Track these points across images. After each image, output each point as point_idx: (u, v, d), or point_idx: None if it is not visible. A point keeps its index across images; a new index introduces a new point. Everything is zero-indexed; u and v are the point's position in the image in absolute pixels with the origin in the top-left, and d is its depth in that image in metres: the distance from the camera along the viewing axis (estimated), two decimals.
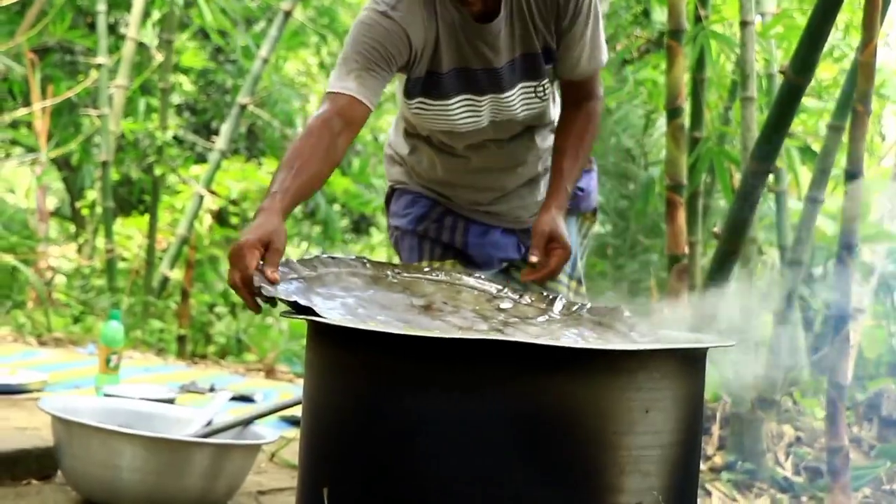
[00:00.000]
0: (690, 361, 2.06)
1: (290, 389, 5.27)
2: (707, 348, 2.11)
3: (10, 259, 6.80)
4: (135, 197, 9.95)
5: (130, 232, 8.80)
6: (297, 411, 4.44)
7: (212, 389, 4.93)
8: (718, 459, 4.37)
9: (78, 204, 9.02)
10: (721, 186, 5.33)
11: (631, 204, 7.26)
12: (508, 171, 3.04)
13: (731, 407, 4.47)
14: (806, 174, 5.94)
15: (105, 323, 4.70)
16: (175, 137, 9.48)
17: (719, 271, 3.98)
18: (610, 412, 1.96)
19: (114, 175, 8.32)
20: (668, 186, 4.59)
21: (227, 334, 8.82)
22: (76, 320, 7.68)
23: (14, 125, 8.47)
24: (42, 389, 4.61)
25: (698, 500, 4.13)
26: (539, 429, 1.92)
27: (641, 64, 7.02)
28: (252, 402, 4.84)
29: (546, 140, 3.05)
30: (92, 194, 8.68)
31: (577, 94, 2.90)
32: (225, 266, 8.97)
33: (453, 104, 2.84)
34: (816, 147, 5.47)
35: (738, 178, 4.93)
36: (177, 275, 8.12)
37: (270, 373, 5.96)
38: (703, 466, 4.33)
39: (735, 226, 3.92)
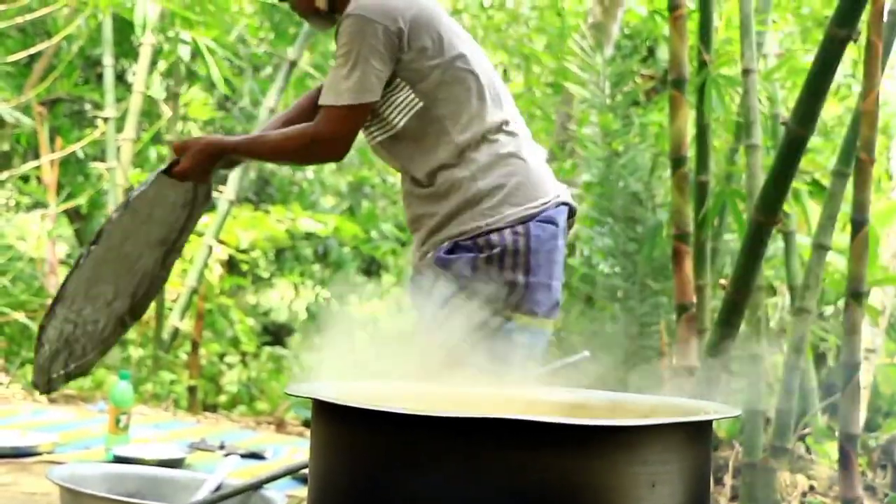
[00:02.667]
0: (697, 433, 2.05)
1: (300, 444, 5.25)
2: (712, 420, 2.09)
3: (19, 316, 6.80)
4: None
5: None
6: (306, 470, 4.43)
7: (221, 447, 4.91)
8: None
9: None
10: (736, 226, 5.33)
11: (639, 247, 7.25)
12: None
13: (743, 456, 4.44)
14: (815, 209, 5.93)
15: (114, 384, 4.70)
16: None
17: (727, 322, 3.96)
18: (615, 487, 1.94)
19: None
20: (674, 236, 4.59)
21: (237, 383, 8.83)
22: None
23: (24, 179, 8.49)
24: (52, 451, 4.60)
25: None
26: None
27: (649, 107, 7.04)
28: (262, 459, 4.83)
29: (412, 190, 3.05)
30: None
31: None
32: (235, 315, 9.02)
33: None
34: (825, 181, 5.47)
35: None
36: (187, 326, 8.12)
37: (281, 426, 5.96)
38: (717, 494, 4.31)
39: (742, 277, 3.92)
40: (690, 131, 4.70)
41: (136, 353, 7.95)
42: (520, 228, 2.89)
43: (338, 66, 2.93)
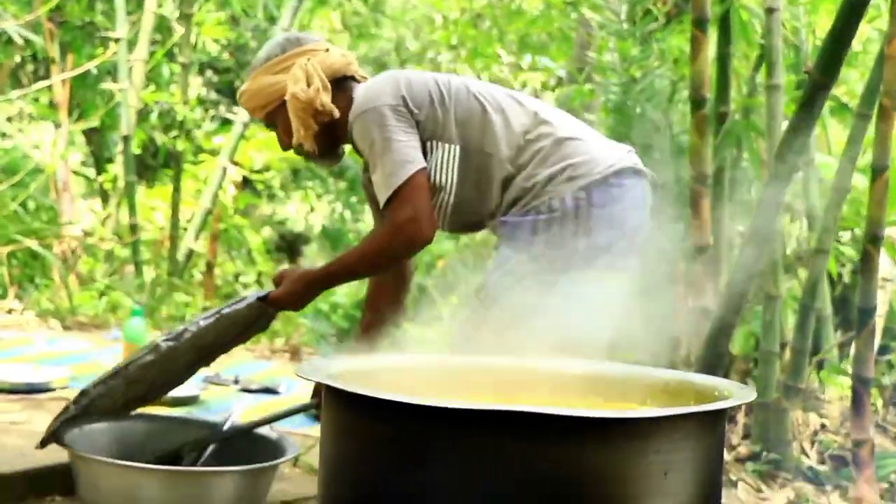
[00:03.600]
0: (709, 421, 2.03)
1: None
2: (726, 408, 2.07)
3: (32, 244, 6.78)
4: (161, 159, 9.91)
5: (155, 203, 8.79)
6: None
7: (236, 381, 4.92)
8: (743, 450, 4.36)
9: (101, 178, 9.00)
10: (749, 159, 5.27)
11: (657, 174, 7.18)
12: None
13: (756, 392, 4.44)
14: (835, 128, 5.86)
15: (127, 321, 4.70)
16: (197, 98, 9.47)
17: (745, 268, 3.93)
18: (627, 477, 1.93)
19: (138, 137, 8.31)
20: (692, 177, 4.55)
21: None
22: (101, 295, 7.71)
23: (35, 99, 8.43)
24: (66, 386, 4.62)
25: (723, 491, 4.13)
26: (554, 497, 1.89)
27: (667, 31, 6.92)
28: (276, 393, 4.84)
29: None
30: (114, 167, 8.66)
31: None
32: (250, 234, 9.01)
33: None
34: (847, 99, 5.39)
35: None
36: (202, 247, 8.12)
37: (295, 354, 5.96)
38: (727, 457, 4.32)
39: (760, 227, 3.88)
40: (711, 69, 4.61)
41: (150, 273, 7.96)
42: (581, 193, 2.91)
43: (374, 166, 2.96)
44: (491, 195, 3.01)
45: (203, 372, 5.03)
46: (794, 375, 4.44)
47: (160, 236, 8.40)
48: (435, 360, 2.47)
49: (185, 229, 8.21)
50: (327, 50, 3.13)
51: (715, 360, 4.09)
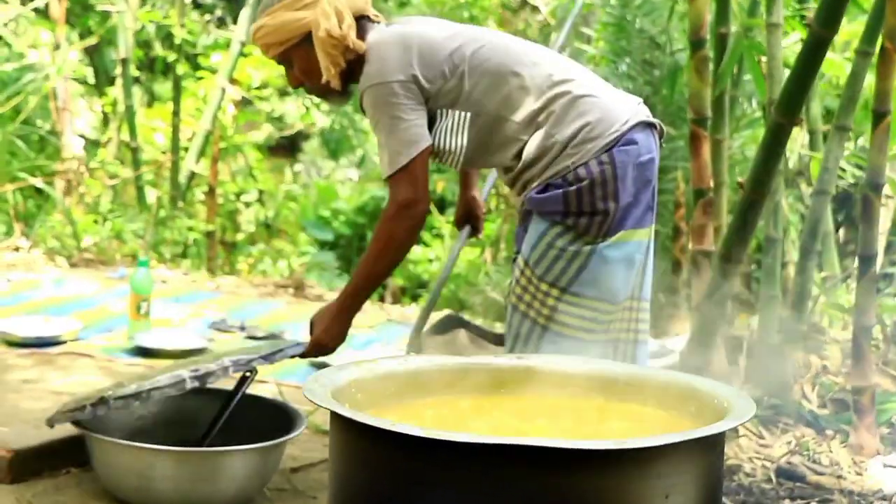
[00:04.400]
0: (709, 443, 2.07)
1: None
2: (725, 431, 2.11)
3: (36, 182, 6.79)
4: (159, 69, 9.83)
5: (155, 124, 8.77)
6: (328, 358, 4.50)
7: (242, 328, 4.98)
8: None
9: (101, 101, 8.97)
10: (753, 79, 5.23)
11: (655, 90, 7.17)
12: None
13: (757, 338, 4.49)
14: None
15: (133, 271, 4.74)
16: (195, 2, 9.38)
17: (743, 220, 3.95)
18: (629, 502, 1.98)
19: (136, 55, 8.26)
20: (692, 120, 4.54)
21: (255, 222, 8.90)
22: (105, 220, 7.75)
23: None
24: (77, 339, 4.68)
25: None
26: None
27: None
28: (281, 339, 4.90)
29: (506, 173, 3.16)
30: (113, 91, 8.63)
31: None
32: (250, 152, 9.00)
33: None
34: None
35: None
36: (203, 169, 8.12)
37: (299, 289, 6.00)
38: None
39: (759, 177, 3.88)
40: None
41: (152, 195, 7.99)
42: (604, 157, 2.93)
43: (378, 140, 3.00)
44: (506, 154, 3.04)
45: (210, 317, 5.12)
46: (795, 318, 4.48)
47: (162, 158, 8.41)
48: (440, 363, 2.51)
49: (187, 149, 8.22)
50: None
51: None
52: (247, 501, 3.26)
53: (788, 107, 3.77)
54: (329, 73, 3.06)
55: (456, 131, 3.03)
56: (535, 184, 2.99)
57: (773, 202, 4.49)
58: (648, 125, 3.04)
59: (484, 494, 1.95)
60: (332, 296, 6.07)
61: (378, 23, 3.14)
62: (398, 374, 2.44)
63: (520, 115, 2.98)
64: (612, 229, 2.97)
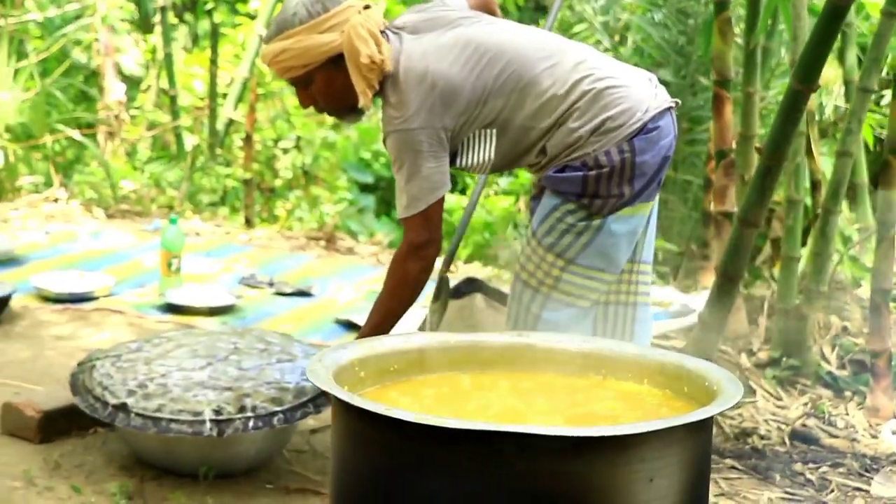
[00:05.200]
0: (695, 428, 2.14)
1: (347, 275, 5.39)
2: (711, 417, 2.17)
3: (74, 134, 6.88)
4: (200, 12, 9.87)
5: (194, 70, 8.83)
6: (352, 315, 4.59)
7: (271, 284, 5.07)
8: (763, 355, 4.46)
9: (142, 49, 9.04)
10: (787, 30, 5.21)
11: (689, 40, 7.14)
12: None
13: (777, 301, 4.52)
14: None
15: (165, 227, 4.84)
16: None
17: (761, 185, 3.97)
18: (614, 487, 2.05)
19: None
20: (715, 81, 4.56)
21: (292, 168, 8.94)
22: (144, 167, 7.84)
23: None
24: (109, 294, 4.79)
25: (743, 399, 4.24)
26: None
27: None
28: (310, 296, 4.99)
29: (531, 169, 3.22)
30: (153, 39, 8.69)
31: None
32: (288, 98, 9.04)
33: None
34: None
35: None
36: (240, 116, 8.16)
37: (331, 241, 6.08)
38: (747, 363, 4.43)
39: (776, 143, 3.90)
40: None
41: (190, 142, 8.06)
42: (625, 146, 2.99)
43: (399, 180, 3.02)
44: (531, 155, 3.09)
45: (240, 272, 5.22)
46: (816, 278, 4.51)
47: (200, 105, 8.47)
48: (443, 340, 2.58)
49: (226, 94, 8.28)
50: (367, 6, 3.06)
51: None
52: (266, 462, 3.37)
53: (806, 73, 3.78)
54: (366, 96, 3.02)
55: (482, 148, 3.08)
56: (553, 165, 3.05)
57: (795, 163, 4.50)
58: (667, 109, 3.08)
59: (474, 478, 2.03)
60: (362, 248, 6.16)
61: (390, 32, 3.10)
62: (401, 352, 2.51)
63: (545, 123, 3.02)
64: (622, 207, 3.04)
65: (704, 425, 2.19)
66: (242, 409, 3.17)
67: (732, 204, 4.54)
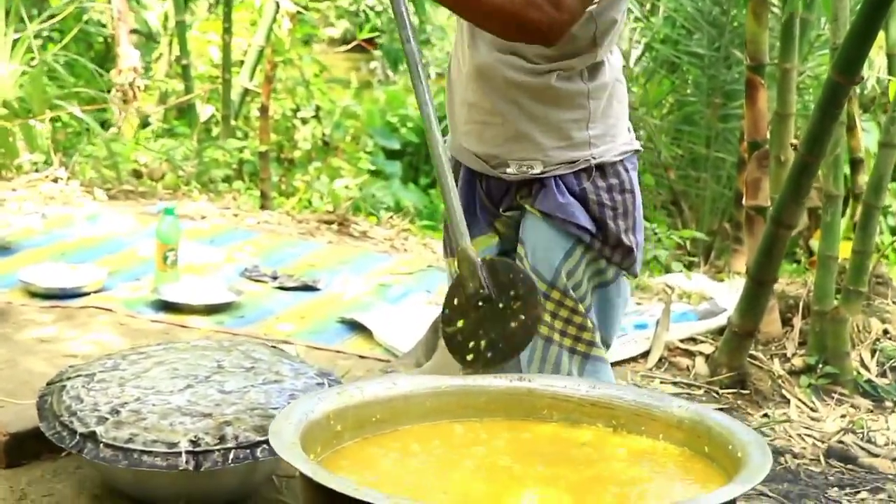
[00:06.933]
0: None
1: (356, 265, 5.09)
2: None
3: (74, 110, 6.60)
4: None
5: (209, 37, 8.53)
6: (357, 314, 4.32)
7: (274, 277, 4.79)
8: (798, 361, 4.15)
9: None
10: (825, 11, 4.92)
11: (724, 10, 6.83)
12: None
13: (813, 303, 4.21)
14: None
15: (160, 219, 4.56)
16: None
17: (797, 184, 3.66)
18: None
19: None
20: (748, 66, 4.24)
21: (311, 139, 8.67)
22: (158, 138, 7.59)
23: None
24: (101, 289, 4.52)
25: (773, 408, 3.95)
26: None
27: None
28: (316, 290, 4.70)
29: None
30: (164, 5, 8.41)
31: None
32: (307, 68, 8.75)
33: None
34: None
35: None
36: (256, 86, 7.88)
37: (343, 224, 5.78)
38: (781, 370, 4.13)
39: (815, 139, 3.58)
40: None
41: (204, 113, 7.79)
42: (627, 163, 2.63)
43: None
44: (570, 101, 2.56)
45: (242, 263, 4.95)
46: (855, 278, 4.19)
47: (214, 75, 8.18)
48: (433, 385, 2.29)
49: (242, 62, 8.00)
50: None
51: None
52: (252, 493, 3.10)
53: (848, 65, 3.45)
54: None
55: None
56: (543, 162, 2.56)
57: (833, 156, 4.17)
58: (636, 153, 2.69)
59: None
60: (377, 231, 5.87)
61: None
62: (385, 400, 2.23)
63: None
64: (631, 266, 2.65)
65: None
66: (222, 438, 2.88)
67: (766, 198, 4.22)
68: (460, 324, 2.24)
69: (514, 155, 2.57)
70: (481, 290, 2.28)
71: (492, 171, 2.61)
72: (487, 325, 2.29)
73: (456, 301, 2.32)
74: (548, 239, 2.56)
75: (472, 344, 2.20)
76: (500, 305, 2.30)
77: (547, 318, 2.58)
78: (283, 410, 2.09)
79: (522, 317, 2.29)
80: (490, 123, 2.58)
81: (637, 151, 2.65)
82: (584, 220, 2.54)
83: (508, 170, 2.58)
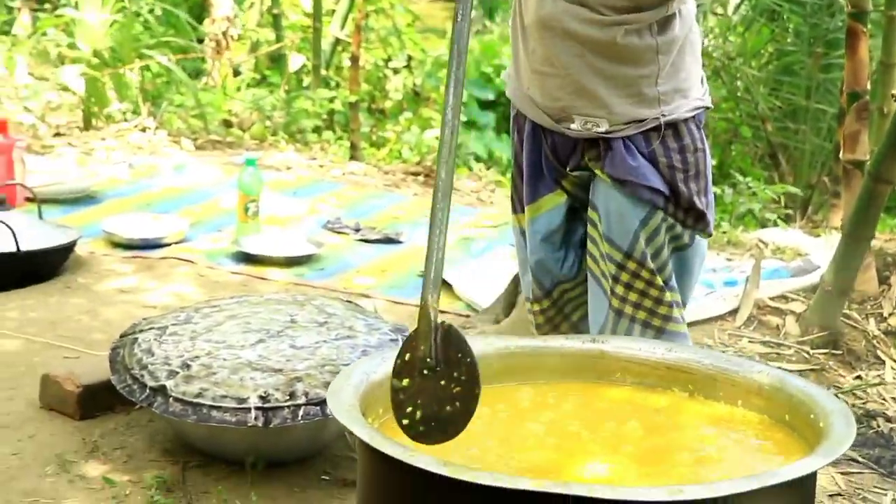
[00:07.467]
0: (796, 483, 1.72)
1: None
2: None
3: (163, 59, 6.57)
4: None
5: None
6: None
7: (357, 229, 4.72)
8: (894, 321, 3.99)
9: None
10: None
11: None
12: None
13: None
14: None
15: (242, 170, 4.52)
16: None
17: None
18: None
19: None
20: (849, 14, 4.06)
21: (403, 90, 8.58)
22: (248, 86, 7.55)
23: None
24: (183, 240, 4.50)
25: (866, 370, 3.80)
26: None
27: None
28: (398, 243, 4.63)
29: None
30: None
31: None
32: (400, 17, 8.65)
33: None
34: None
35: None
36: (347, 35, 7.81)
37: (430, 177, 5.69)
38: (877, 330, 3.97)
39: None
40: None
41: (295, 63, 7.74)
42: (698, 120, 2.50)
43: None
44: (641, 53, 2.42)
45: (325, 215, 4.89)
46: None
47: (305, 23, 8.12)
48: (501, 347, 2.20)
49: (334, 11, 7.93)
50: None
51: None
52: (323, 450, 3.05)
53: None
54: None
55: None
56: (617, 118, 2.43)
57: None
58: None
59: None
60: (464, 183, 5.79)
61: None
62: None
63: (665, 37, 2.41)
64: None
65: (806, 481, 1.77)
66: (293, 395, 2.82)
67: (865, 152, 4.05)
68: (405, 382, 1.99)
69: (578, 110, 2.43)
70: (428, 360, 1.99)
71: (556, 126, 2.49)
72: (425, 397, 1.94)
73: (407, 356, 1.97)
74: (622, 206, 2.43)
75: (409, 409, 1.96)
76: (442, 383, 1.94)
77: (620, 289, 2.47)
78: (345, 370, 2.02)
79: (458, 404, 1.92)
80: (551, 75, 2.45)
81: (708, 108, 2.51)
82: (658, 183, 2.42)
83: (573, 125, 2.45)
